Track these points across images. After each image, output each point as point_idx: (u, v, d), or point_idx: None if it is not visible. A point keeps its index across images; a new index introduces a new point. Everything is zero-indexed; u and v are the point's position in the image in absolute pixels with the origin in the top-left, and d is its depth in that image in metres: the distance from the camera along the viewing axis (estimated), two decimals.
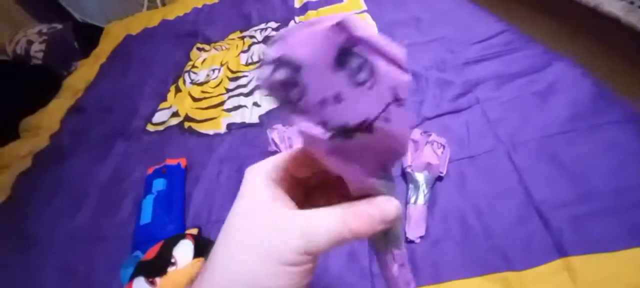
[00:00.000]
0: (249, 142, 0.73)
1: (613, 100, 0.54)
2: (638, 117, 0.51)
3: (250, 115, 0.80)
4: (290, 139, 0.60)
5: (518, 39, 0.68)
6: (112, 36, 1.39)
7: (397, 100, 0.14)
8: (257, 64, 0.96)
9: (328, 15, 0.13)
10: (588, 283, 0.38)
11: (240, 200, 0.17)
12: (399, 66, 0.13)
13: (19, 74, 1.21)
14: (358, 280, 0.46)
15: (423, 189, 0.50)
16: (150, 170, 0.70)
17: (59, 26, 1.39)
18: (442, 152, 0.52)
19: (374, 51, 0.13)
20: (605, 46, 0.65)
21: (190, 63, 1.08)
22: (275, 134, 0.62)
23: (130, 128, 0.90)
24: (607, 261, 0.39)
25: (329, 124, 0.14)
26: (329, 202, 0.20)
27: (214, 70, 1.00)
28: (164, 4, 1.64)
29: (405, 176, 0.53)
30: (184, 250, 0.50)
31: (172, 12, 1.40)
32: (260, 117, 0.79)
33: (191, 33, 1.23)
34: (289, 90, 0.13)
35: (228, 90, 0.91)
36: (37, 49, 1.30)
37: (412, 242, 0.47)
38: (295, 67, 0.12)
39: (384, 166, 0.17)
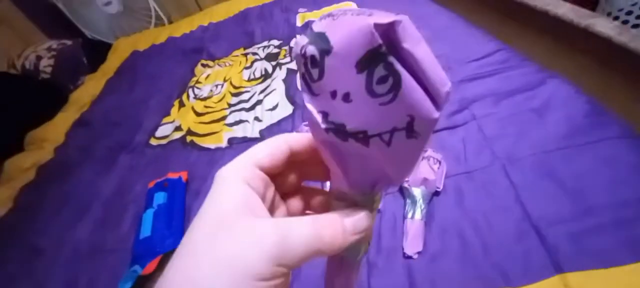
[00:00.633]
0: None
1: (608, 116, 0.55)
2: (633, 133, 0.52)
3: (252, 130, 0.82)
4: None
5: (513, 58, 0.70)
6: (120, 52, 1.43)
7: (409, 130, 0.12)
8: (260, 80, 0.98)
9: (390, 13, 0.12)
10: None
11: (207, 206, 0.15)
12: (433, 99, 0.12)
13: (26, 89, 1.24)
14: None
15: (420, 204, 0.50)
16: (151, 184, 0.71)
17: (69, 42, 1.43)
18: (438, 168, 0.53)
19: (413, 70, 0.12)
20: (600, 63, 0.66)
21: (195, 78, 1.11)
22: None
23: (133, 142, 0.91)
24: (605, 277, 0.39)
25: (329, 116, 0.14)
26: (306, 204, 0.20)
27: (217, 85, 1.02)
28: (171, 22, 1.69)
29: (402, 191, 0.53)
30: None
31: (179, 30, 1.44)
32: (261, 132, 0.80)
33: (196, 50, 1.26)
34: (312, 67, 0.13)
35: (230, 105, 0.93)
36: (46, 64, 1.33)
37: (409, 257, 0.47)
38: (325, 50, 0.12)
39: (372, 184, 0.16)
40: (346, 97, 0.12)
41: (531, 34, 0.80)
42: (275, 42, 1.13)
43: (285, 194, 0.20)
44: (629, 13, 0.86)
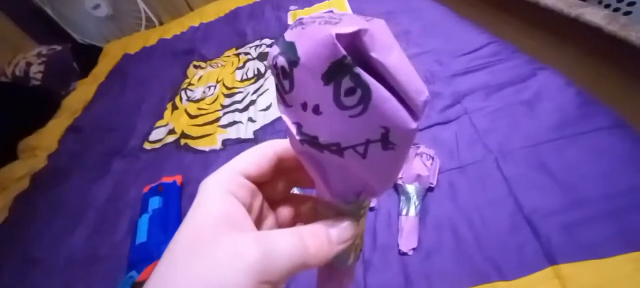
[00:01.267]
0: None
1: (598, 107, 0.55)
2: (623, 123, 0.52)
3: (245, 131, 0.81)
4: None
5: (504, 50, 0.70)
6: (111, 56, 1.42)
7: (385, 141, 0.12)
8: (253, 80, 0.97)
9: (361, 18, 0.11)
10: None
11: (189, 219, 0.15)
12: (409, 109, 0.11)
13: (17, 96, 1.23)
14: None
15: (414, 201, 0.50)
16: (146, 189, 0.71)
17: (59, 47, 1.41)
18: (431, 164, 0.53)
19: (385, 79, 0.11)
20: (590, 53, 0.66)
21: (187, 80, 1.10)
22: None
23: (127, 146, 0.91)
24: (598, 267, 0.40)
25: (303, 128, 0.13)
26: (296, 212, 0.19)
27: (209, 87, 1.02)
28: (161, 23, 1.67)
29: (397, 188, 0.53)
30: None
31: (169, 31, 1.43)
32: (255, 132, 0.80)
33: (188, 51, 1.25)
34: (283, 78, 0.12)
35: (223, 107, 0.92)
36: (36, 71, 1.32)
37: (405, 254, 0.48)
38: (293, 61, 0.11)
39: (356, 193, 0.16)
40: (316, 110, 0.12)
41: (522, 25, 0.80)
42: (267, 41, 1.12)
43: (274, 203, 0.19)
44: (620, 0, 0.86)
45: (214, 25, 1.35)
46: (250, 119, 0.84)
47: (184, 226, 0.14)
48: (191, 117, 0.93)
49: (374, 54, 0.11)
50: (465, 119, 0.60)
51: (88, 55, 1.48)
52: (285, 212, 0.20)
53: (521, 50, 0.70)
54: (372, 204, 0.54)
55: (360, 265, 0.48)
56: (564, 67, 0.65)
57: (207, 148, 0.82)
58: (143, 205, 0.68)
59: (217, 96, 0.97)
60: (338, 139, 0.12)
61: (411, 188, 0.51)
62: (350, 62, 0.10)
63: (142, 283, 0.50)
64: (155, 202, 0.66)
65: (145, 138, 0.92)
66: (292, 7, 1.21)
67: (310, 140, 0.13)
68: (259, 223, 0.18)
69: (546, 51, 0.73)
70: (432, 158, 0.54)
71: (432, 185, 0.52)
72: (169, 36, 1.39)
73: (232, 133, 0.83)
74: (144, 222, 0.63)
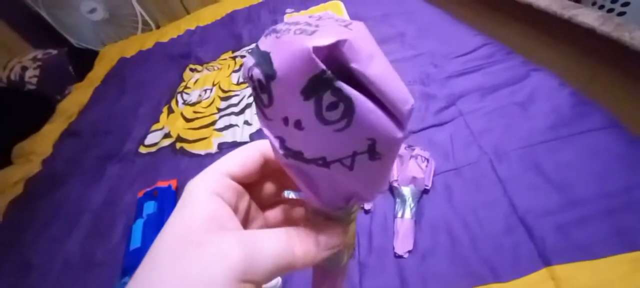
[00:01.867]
0: None
1: (592, 107, 0.55)
2: (618, 123, 0.52)
3: (241, 134, 0.81)
4: None
5: (498, 52, 0.70)
6: (107, 59, 1.42)
7: (372, 152, 0.11)
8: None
9: (338, 24, 0.10)
10: None
11: (174, 219, 0.14)
12: (395, 118, 0.11)
13: (12, 100, 1.22)
14: None
15: (409, 203, 0.50)
16: (141, 193, 0.70)
17: (54, 52, 1.41)
18: (426, 166, 0.53)
19: (369, 91, 0.10)
20: (585, 53, 0.67)
21: (183, 84, 1.09)
22: None
23: (123, 151, 0.90)
24: (592, 268, 0.39)
25: (286, 143, 0.13)
26: (287, 216, 0.19)
27: (206, 90, 1.02)
28: (158, 27, 1.67)
29: (392, 190, 0.53)
30: None
31: (166, 35, 1.42)
32: (251, 135, 0.80)
33: (184, 54, 1.25)
34: (261, 91, 0.12)
35: (219, 110, 0.92)
36: (32, 75, 1.31)
37: (400, 256, 0.47)
38: (270, 75, 0.11)
39: (345, 200, 0.15)
40: (298, 125, 0.11)
41: (516, 26, 0.81)
42: None
43: (264, 206, 0.19)
44: (614, 1, 0.86)
45: (211, 29, 1.35)
46: (247, 122, 0.84)
47: (169, 226, 0.14)
48: (187, 120, 0.93)
49: (354, 65, 0.10)
50: (460, 121, 0.60)
51: (84, 59, 1.47)
52: (275, 214, 0.20)
53: (516, 52, 0.71)
54: (367, 207, 0.54)
55: (356, 268, 0.48)
56: (558, 68, 0.65)
57: (203, 152, 0.81)
58: (138, 210, 0.67)
59: (213, 99, 0.97)
60: (323, 153, 0.12)
61: (407, 191, 0.51)
62: (330, 76, 0.10)
63: None
64: (150, 207, 0.66)
65: (141, 142, 0.92)
66: (288, 10, 1.21)
67: (294, 155, 0.13)
68: (246, 224, 0.18)
69: (540, 52, 0.73)
70: (428, 161, 0.53)
71: (427, 187, 0.52)
72: (165, 39, 1.39)
73: (228, 136, 0.82)
74: (138, 227, 0.63)
